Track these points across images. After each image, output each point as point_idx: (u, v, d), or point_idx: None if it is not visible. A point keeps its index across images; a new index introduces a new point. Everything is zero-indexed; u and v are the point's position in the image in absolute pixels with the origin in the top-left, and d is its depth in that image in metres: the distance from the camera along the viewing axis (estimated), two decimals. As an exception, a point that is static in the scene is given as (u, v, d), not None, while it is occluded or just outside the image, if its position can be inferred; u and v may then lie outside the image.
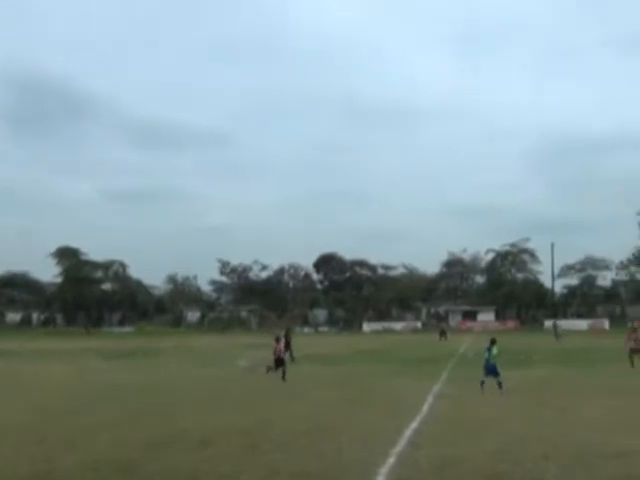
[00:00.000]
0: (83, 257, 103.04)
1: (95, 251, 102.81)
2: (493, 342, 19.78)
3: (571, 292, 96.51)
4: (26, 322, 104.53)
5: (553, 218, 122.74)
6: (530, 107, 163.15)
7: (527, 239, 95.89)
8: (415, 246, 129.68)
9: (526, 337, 59.31)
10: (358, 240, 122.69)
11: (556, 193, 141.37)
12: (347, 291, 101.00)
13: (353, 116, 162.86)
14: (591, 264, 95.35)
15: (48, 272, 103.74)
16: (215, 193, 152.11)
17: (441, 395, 18.27)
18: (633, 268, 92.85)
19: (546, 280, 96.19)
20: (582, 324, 79.63)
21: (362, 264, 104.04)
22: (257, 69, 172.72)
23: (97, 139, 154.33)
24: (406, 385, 20.89)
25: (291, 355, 32.73)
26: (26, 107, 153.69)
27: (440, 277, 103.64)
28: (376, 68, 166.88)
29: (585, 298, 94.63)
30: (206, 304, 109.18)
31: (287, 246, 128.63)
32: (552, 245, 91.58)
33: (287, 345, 33.67)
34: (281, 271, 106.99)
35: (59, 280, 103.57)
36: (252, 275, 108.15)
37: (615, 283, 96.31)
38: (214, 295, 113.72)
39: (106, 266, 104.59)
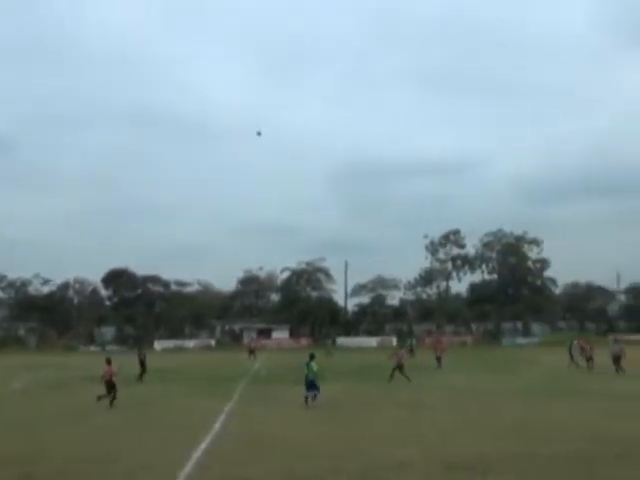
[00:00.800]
0: None
1: None
2: (312, 357, 20.43)
3: (362, 310, 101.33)
4: None
5: (348, 239, 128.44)
6: (328, 131, 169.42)
7: (322, 258, 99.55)
8: (210, 263, 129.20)
9: (318, 354, 61.17)
10: (151, 256, 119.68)
11: (351, 215, 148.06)
12: (138, 308, 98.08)
13: (146, 127, 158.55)
14: (381, 284, 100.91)
15: None
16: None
17: (233, 414, 18.32)
18: (419, 288, 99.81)
19: (339, 299, 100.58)
20: (372, 341, 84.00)
21: (154, 280, 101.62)
22: (43, 72, 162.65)
23: None
24: (198, 405, 20.68)
25: (141, 375, 31.47)
26: None
27: (236, 294, 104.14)
28: (174, 79, 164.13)
29: (375, 316, 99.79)
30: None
31: (73, 261, 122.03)
32: (346, 264, 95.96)
33: (141, 364, 32.14)
34: (65, 286, 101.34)
35: None
36: (32, 290, 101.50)
37: (403, 302, 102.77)
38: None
39: None
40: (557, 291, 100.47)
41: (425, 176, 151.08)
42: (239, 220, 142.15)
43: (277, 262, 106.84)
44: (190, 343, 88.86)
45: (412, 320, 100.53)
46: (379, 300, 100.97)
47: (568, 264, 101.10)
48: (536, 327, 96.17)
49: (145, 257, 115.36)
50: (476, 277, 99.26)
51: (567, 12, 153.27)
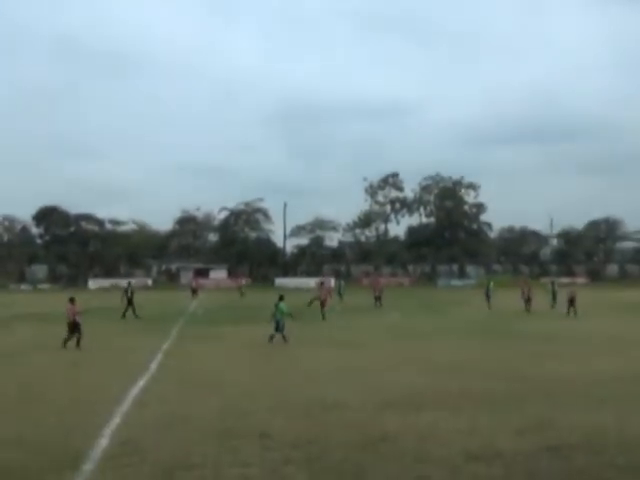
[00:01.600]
0: None
1: None
2: (281, 298, 20.84)
3: (301, 251, 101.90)
4: None
5: (287, 180, 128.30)
6: (267, 71, 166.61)
7: (261, 199, 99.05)
8: (147, 202, 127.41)
9: (257, 294, 61.62)
10: (84, 194, 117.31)
11: (290, 156, 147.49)
12: (71, 246, 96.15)
13: (78, 61, 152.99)
14: (320, 225, 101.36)
15: None
16: None
17: (171, 353, 18.33)
18: (358, 230, 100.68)
19: (278, 240, 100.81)
20: (310, 282, 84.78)
21: (88, 218, 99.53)
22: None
23: None
24: (136, 344, 20.60)
25: (134, 312, 30.99)
26: None
27: (172, 234, 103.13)
28: (110, 13, 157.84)
29: (314, 257, 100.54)
30: None
31: (1, 198, 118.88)
32: (285, 206, 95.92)
33: (129, 302, 31.29)
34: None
35: None
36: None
37: (341, 244, 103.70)
38: None
39: None
40: (492, 235, 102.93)
41: (365, 118, 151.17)
42: (176, 159, 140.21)
43: (215, 202, 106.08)
44: (125, 282, 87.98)
45: (350, 261, 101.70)
46: (318, 241, 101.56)
47: (503, 209, 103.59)
48: (471, 270, 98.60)
49: (78, 195, 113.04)
50: (414, 220, 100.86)
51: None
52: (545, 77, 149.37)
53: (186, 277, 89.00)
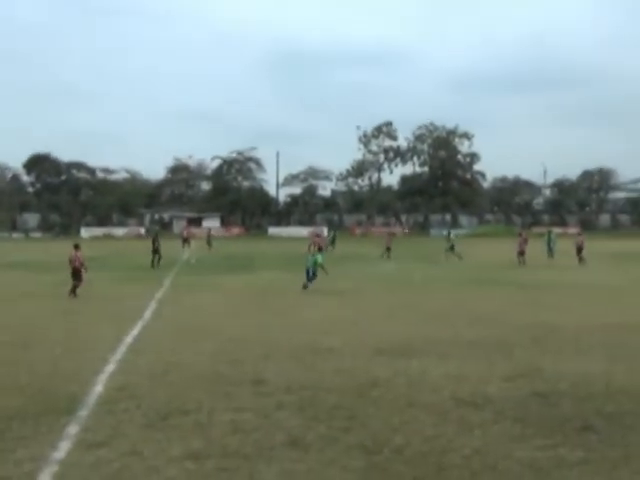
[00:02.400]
0: None
1: None
2: (320, 250, 21.10)
3: (294, 200, 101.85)
4: None
5: (280, 128, 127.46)
6: (258, 17, 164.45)
7: (254, 148, 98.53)
8: (138, 151, 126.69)
9: (250, 243, 61.82)
10: (76, 142, 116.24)
11: (284, 104, 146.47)
12: (63, 195, 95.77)
13: (67, 5, 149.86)
14: (313, 174, 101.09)
15: None
16: None
17: (165, 301, 18.47)
18: (351, 179, 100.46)
19: (271, 189, 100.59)
20: (303, 231, 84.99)
21: (80, 166, 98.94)
22: None
23: None
24: (129, 292, 20.74)
25: (153, 261, 31.26)
26: None
27: (165, 183, 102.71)
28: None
29: (306, 206, 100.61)
30: None
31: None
32: (277, 154, 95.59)
33: (155, 251, 31.62)
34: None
35: None
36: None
37: (334, 193, 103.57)
38: None
39: None
40: (486, 185, 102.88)
41: (359, 66, 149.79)
42: (168, 106, 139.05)
43: (208, 151, 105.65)
44: (119, 231, 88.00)
45: (343, 211, 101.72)
46: (310, 191, 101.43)
47: (497, 158, 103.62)
48: (464, 219, 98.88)
49: (69, 143, 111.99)
50: (407, 170, 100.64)
51: None
52: (542, 25, 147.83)
53: (179, 226, 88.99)
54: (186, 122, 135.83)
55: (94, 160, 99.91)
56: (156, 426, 7.28)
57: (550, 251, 36.19)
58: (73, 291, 19.33)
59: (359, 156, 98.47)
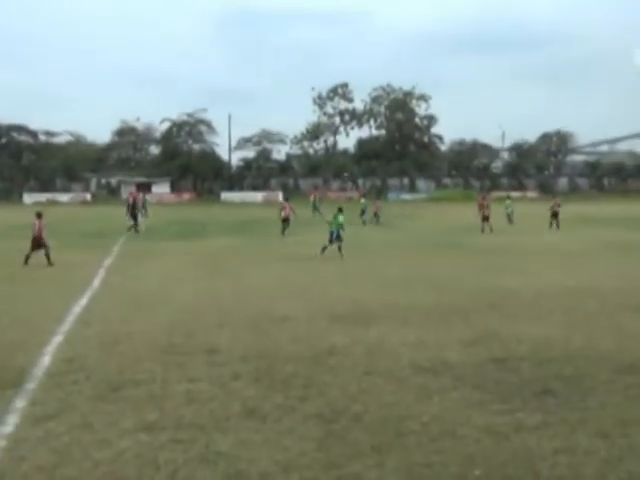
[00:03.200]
0: None
1: None
2: (340, 210, 21.06)
3: (247, 164, 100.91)
4: None
5: (231, 90, 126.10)
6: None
7: (204, 110, 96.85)
8: (83, 113, 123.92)
9: (202, 209, 61.34)
10: (15, 103, 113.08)
11: (235, 64, 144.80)
12: (4, 159, 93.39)
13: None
14: (267, 137, 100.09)
15: None
16: None
17: (113, 269, 18.25)
18: (306, 143, 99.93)
19: (223, 152, 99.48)
20: (257, 196, 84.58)
21: (20, 129, 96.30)
22: None
23: None
24: (76, 260, 20.34)
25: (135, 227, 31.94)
26: None
27: (111, 146, 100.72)
28: None
29: (260, 171, 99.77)
30: None
31: None
32: (229, 117, 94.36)
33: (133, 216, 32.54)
34: None
35: None
36: None
37: (289, 157, 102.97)
38: None
39: None
40: (443, 148, 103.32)
41: (313, 24, 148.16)
42: (114, 67, 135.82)
43: (156, 113, 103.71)
44: (64, 197, 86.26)
45: (298, 175, 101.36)
46: (264, 154, 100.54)
47: (455, 121, 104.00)
48: (422, 183, 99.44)
49: (9, 105, 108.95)
50: (364, 132, 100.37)
51: None
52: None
53: (127, 191, 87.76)
54: (133, 83, 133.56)
55: (36, 123, 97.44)
56: (107, 398, 7.23)
57: (508, 217, 36.62)
58: (48, 259, 19.02)
59: (314, 118, 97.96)
